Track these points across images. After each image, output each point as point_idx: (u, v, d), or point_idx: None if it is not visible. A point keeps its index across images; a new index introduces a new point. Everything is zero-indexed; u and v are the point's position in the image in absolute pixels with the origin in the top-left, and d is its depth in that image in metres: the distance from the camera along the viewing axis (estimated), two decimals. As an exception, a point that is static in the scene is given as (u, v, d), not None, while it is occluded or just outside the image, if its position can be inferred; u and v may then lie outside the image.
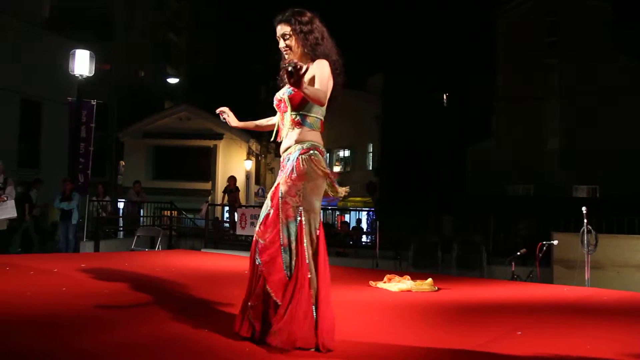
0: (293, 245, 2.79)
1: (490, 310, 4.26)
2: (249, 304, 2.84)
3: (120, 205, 16.65)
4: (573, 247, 7.60)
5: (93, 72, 11.84)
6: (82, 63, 11.58)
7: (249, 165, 25.29)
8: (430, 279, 5.21)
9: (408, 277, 5.35)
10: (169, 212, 15.95)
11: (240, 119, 3.39)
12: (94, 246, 11.49)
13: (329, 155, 28.00)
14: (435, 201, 20.56)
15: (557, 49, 22.72)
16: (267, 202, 2.97)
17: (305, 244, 2.80)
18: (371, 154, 27.90)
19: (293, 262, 2.77)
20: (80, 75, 11.62)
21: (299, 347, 2.70)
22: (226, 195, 13.95)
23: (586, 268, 7.00)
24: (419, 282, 5.13)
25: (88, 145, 11.77)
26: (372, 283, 5.24)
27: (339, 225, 17.69)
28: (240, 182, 23.50)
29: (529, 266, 8.37)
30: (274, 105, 3.09)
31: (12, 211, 8.81)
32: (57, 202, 11.08)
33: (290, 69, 2.55)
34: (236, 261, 7.15)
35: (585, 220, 6.92)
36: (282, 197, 2.84)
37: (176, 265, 6.24)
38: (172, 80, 29.59)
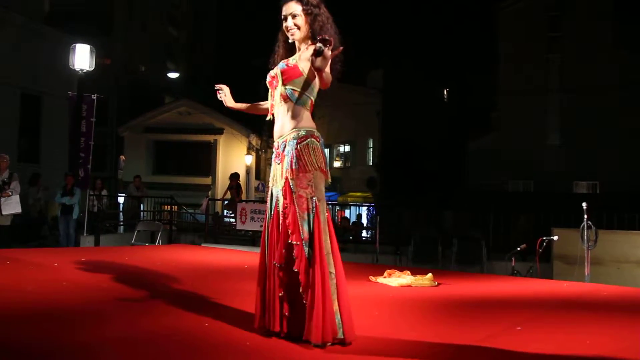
0: (309, 237, 2.75)
1: (490, 305, 4.26)
2: (278, 295, 2.80)
3: (121, 199, 16.66)
4: (573, 243, 7.60)
5: (93, 67, 11.82)
6: (82, 57, 11.55)
7: (249, 160, 25.28)
8: (430, 274, 5.21)
9: (408, 272, 5.34)
10: (169, 206, 15.97)
11: (238, 112, 3.38)
12: (94, 241, 11.50)
13: (329, 151, 27.99)
14: (435, 196, 20.56)
15: (559, 44, 22.69)
16: (276, 195, 2.92)
17: (322, 236, 2.77)
18: (371, 149, 27.89)
19: (313, 256, 2.72)
20: (81, 69, 11.59)
21: (324, 342, 2.66)
22: (229, 191, 13.98)
23: (586, 264, 6.99)
24: (419, 277, 5.13)
25: (88, 139, 11.75)
26: (372, 278, 5.24)
27: (339, 220, 17.69)
28: (241, 177, 23.49)
29: (529, 262, 8.38)
30: (267, 83, 3.07)
31: (17, 206, 8.81)
32: (59, 196, 11.07)
33: (318, 46, 2.51)
34: (236, 256, 7.16)
35: (585, 216, 6.92)
36: (294, 192, 2.81)
37: (176, 260, 6.25)
38: (172, 75, 29.55)
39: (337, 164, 28.73)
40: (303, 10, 2.94)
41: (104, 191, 13.66)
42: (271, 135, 3.10)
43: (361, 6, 32.31)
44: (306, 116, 2.93)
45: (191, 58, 34.58)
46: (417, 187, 22.59)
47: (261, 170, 27.29)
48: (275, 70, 3.00)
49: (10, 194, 8.67)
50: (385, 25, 31.46)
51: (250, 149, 25.55)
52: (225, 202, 14.53)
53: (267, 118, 3.13)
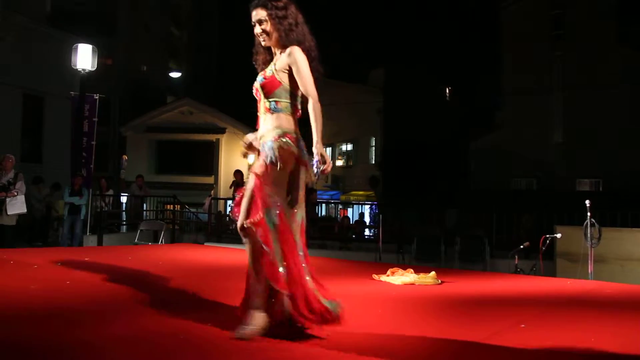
0: (273, 235, 2.82)
1: (493, 303, 4.26)
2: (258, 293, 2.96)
3: (123, 199, 16.67)
4: (576, 241, 7.59)
5: (95, 67, 11.82)
6: (84, 57, 11.56)
7: (252, 159, 25.24)
8: (433, 272, 5.21)
9: (411, 270, 5.34)
10: (171, 206, 15.98)
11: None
12: (97, 240, 11.51)
13: (332, 150, 27.97)
14: (438, 195, 20.53)
15: (562, 43, 22.62)
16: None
17: (292, 233, 2.86)
18: (373, 148, 27.85)
19: (281, 253, 2.81)
20: (83, 69, 11.60)
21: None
22: (234, 189, 13.96)
23: (589, 261, 6.99)
24: (422, 275, 5.13)
25: (91, 139, 11.77)
26: (375, 276, 5.24)
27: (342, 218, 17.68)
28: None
29: (532, 259, 8.36)
30: (253, 94, 3.11)
31: (22, 206, 8.83)
32: (67, 196, 11.03)
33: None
34: (239, 255, 7.15)
35: (588, 214, 6.91)
36: (258, 187, 2.84)
37: (179, 259, 6.26)
38: (175, 75, 29.55)
39: (339, 162, 28.72)
40: (268, 15, 2.96)
41: (110, 191, 13.65)
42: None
43: (362, 4, 32.27)
44: (286, 120, 2.97)
45: (193, 57, 34.59)
46: (419, 186, 22.56)
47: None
48: (256, 84, 3.04)
49: (16, 194, 8.69)
50: (387, 24, 31.42)
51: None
52: (230, 202, 14.53)
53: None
